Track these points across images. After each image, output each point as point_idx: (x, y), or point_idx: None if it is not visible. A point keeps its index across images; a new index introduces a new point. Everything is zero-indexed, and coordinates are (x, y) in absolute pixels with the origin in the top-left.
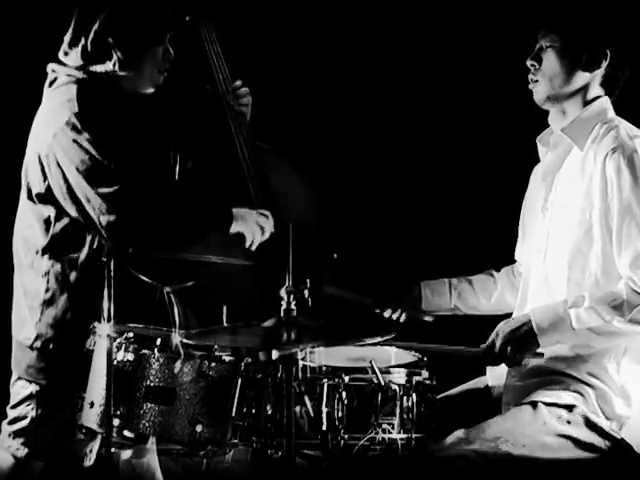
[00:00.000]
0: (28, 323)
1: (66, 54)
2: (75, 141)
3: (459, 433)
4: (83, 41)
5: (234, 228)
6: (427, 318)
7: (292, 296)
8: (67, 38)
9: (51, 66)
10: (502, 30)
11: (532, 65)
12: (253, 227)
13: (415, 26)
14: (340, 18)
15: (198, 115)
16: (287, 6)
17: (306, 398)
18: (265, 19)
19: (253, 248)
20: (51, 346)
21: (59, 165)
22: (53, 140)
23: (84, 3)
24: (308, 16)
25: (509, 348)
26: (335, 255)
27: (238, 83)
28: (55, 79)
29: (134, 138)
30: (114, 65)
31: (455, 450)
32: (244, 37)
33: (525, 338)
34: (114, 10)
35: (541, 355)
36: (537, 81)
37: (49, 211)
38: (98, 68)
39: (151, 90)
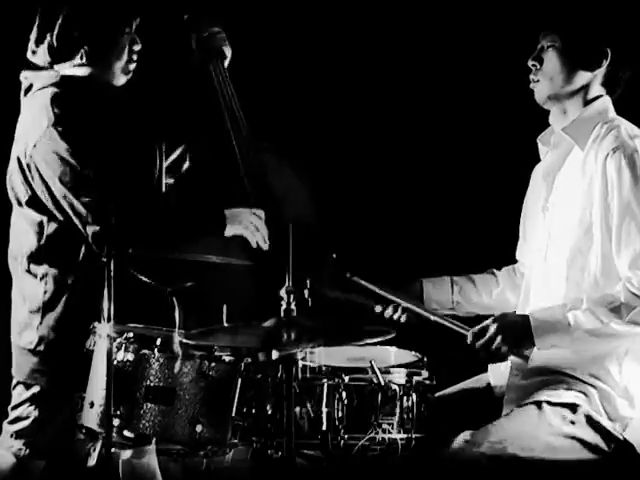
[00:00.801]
0: (29, 328)
1: (34, 53)
2: (55, 152)
3: (465, 436)
4: (49, 37)
5: (229, 231)
6: (426, 315)
7: (292, 296)
8: (33, 36)
9: (24, 74)
10: (503, 30)
11: (533, 65)
12: (250, 227)
13: (416, 26)
14: (340, 16)
15: (195, 110)
16: (287, 4)
17: (305, 399)
18: (264, 17)
19: (254, 245)
20: (53, 349)
21: (42, 176)
22: (33, 150)
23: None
24: (308, 14)
25: (499, 338)
26: (334, 255)
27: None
28: (30, 86)
29: (114, 140)
30: (82, 58)
31: (463, 454)
32: (243, 35)
33: (520, 334)
34: (76, 3)
35: (527, 358)
36: (538, 81)
37: (41, 215)
38: (68, 65)
39: (123, 81)
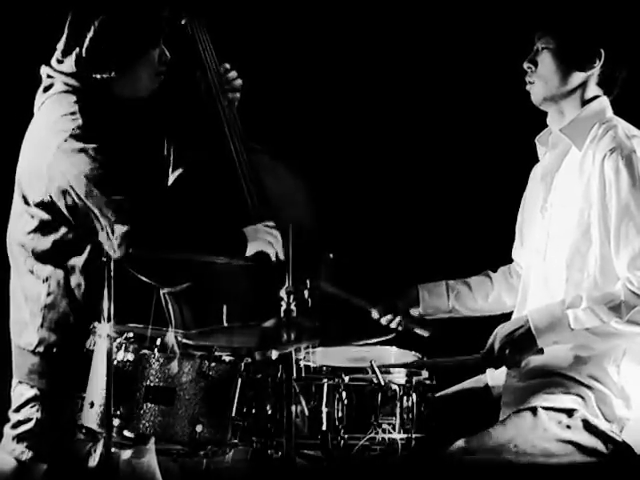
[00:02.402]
0: (29, 328)
1: (60, 62)
2: (82, 150)
3: (460, 443)
4: (77, 50)
5: (251, 249)
6: (421, 332)
7: (292, 296)
8: (60, 46)
9: (46, 71)
10: (502, 31)
11: (528, 67)
12: (270, 241)
13: (414, 27)
14: (337, 18)
15: (192, 114)
16: (282, 6)
17: (301, 397)
18: (260, 19)
19: (274, 259)
20: (54, 350)
21: (66, 178)
22: (57, 151)
23: (77, 10)
24: (304, 16)
25: (507, 350)
26: (331, 255)
27: (227, 66)
28: (50, 85)
29: (134, 144)
30: (110, 72)
31: (458, 461)
32: (238, 37)
33: (523, 339)
34: (108, 16)
35: (542, 351)
36: (533, 83)
37: (48, 216)
38: (93, 75)
39: (147, 93)
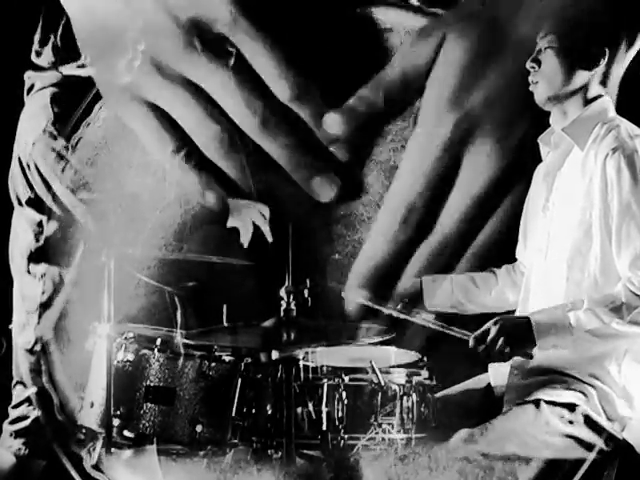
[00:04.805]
0: (26, 328)
1: (38, 54)
2: (53, 149)
3: (462, 434)
4: (53, 38)
5: (230, 222)
6: (426, 316)
7: (292, 296)
8: (37, 37)
9: (27, 74)
10: None
11: (532, 67)
12: (247, 223)
13: None
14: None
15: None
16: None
17: (307, 399)
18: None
19: (245, 244)
20: (51, 349)
21: (41, 175)
22: (32, 148)
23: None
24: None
25: (502, 339)
26: (337, 255)
27: None
28: (32, 86)
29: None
30: (85, 58)
31: (459, 452)
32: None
33: (521, 334)
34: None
35: (530, 356)
36: (537, 82)
37: (40, 215)
38: (71, 66)
39: (127, 80)
